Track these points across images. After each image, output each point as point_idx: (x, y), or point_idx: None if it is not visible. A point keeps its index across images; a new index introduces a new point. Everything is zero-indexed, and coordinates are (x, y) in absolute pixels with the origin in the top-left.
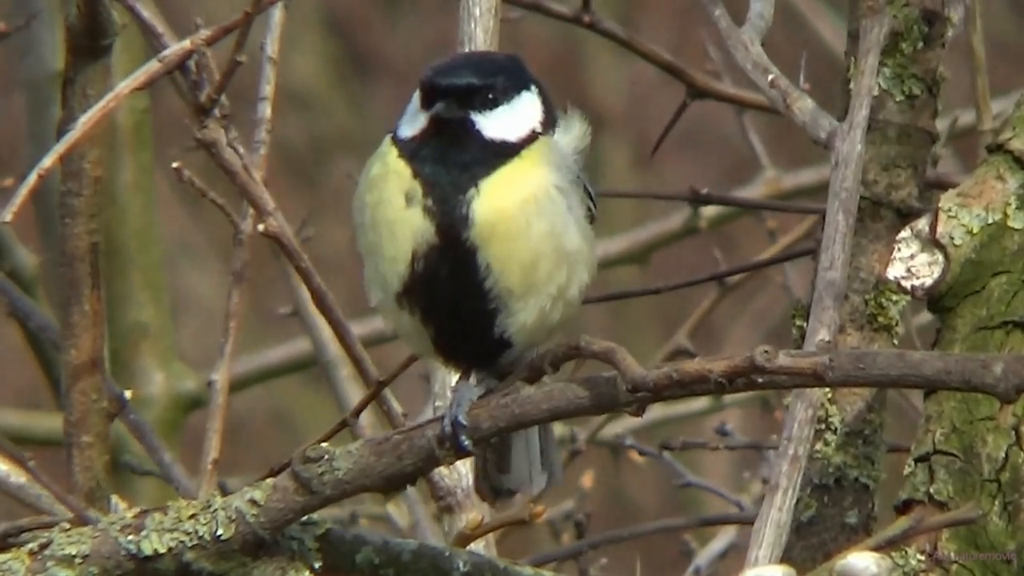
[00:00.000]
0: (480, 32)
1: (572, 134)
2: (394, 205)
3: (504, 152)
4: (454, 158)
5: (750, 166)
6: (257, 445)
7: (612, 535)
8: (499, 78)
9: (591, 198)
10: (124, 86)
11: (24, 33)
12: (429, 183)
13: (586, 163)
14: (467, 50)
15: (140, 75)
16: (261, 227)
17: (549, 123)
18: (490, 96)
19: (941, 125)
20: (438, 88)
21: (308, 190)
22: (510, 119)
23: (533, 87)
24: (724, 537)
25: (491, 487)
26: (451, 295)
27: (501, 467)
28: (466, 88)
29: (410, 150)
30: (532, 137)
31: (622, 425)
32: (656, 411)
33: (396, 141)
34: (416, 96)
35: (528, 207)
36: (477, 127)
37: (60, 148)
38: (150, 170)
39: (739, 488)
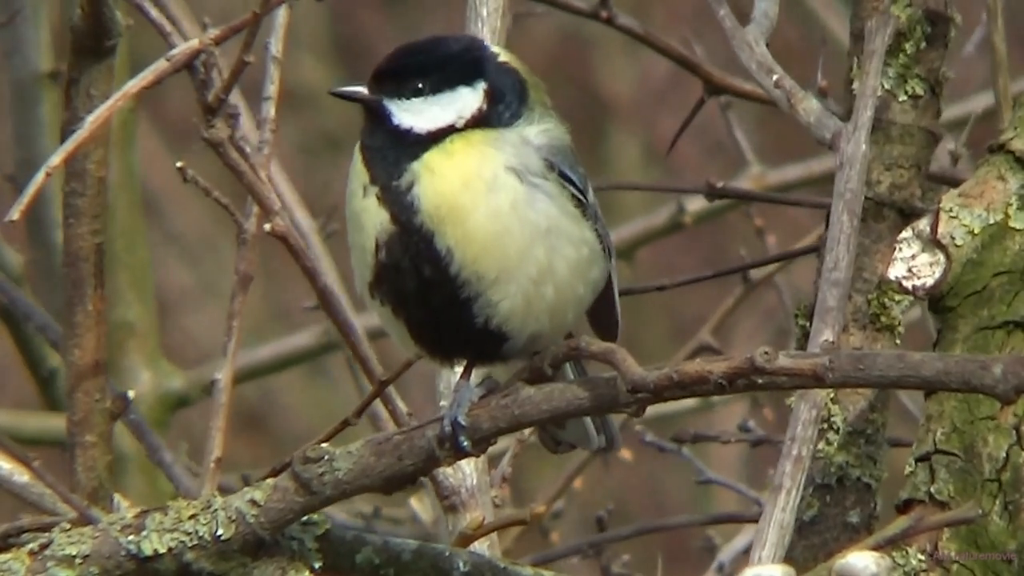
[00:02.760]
0: (487, 32)
1: (540, 127)
2: (358, 195)
3: (418, 141)
4: (378, 143)
5: (759, 159)
6: (277, 439)
7: (613, 534)
8: (430, 67)
9: (576, 185)
10: (132, 85)
11: (9, 32)
12: (372, 170)
13: (576, 155)
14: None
15: (148, 74)
16: (267, 227)
17: (501, 115)
18: (419, 85)
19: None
20: (373, 71)
21: (329, 185)
22: (428, 110)
23: (480, 82)
24: (748, 534)
25: (551, 437)
26: (417, 284)
27: (556, 423)
28: (384, 72)
29: (362, 138)
30: (448, 130)
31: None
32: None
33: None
34: None
35: (473, 187)
36: (388, 112)
37: (67, 147)
38: (136, 170)
39: (762, 486)
